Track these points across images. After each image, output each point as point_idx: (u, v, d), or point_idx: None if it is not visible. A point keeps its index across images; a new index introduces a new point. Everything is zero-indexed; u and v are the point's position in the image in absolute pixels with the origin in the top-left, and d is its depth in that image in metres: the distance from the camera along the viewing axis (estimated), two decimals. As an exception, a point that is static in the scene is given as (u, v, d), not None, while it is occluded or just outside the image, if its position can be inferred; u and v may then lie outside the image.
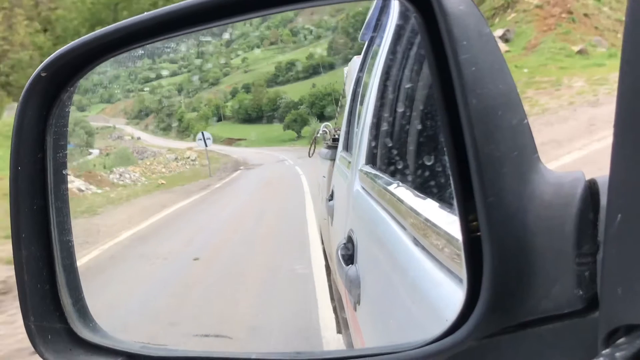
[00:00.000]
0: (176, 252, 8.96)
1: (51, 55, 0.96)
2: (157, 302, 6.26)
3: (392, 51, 1.65)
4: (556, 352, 0.71)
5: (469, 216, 0.70)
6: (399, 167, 1.38)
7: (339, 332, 3.38)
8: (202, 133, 26.75)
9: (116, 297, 6.31)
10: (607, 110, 13.18)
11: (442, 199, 0.98)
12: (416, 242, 1.06)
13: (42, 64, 0.96)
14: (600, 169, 0.67)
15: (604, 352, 0.50)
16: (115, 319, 4.72)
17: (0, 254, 7.57)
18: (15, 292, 0.96)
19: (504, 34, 24.74)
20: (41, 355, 0.94)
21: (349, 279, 1.51)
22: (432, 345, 0.72)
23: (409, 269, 1.09)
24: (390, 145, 1.52)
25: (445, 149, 0.72)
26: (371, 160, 1.76)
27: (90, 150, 31.68)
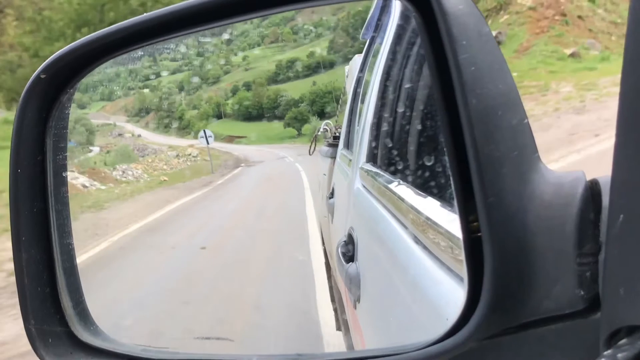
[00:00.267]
0: (184, 243, 9.41)
1: (51, 57, 0.96)
2: (170, 284, 6.78)
3: (393, 51, 1.65)
4: (557, 353, 0.71)
5: (469, 216, 0.69)
6: (400, 167, 1.38)
7: (338, 329, 3.39)
8: (204, 131, 27.06)
9: (132, 282, 7.00)
10: (592, 117, 13.09)
11: (443, 198, 0.98)
12: (416, 240, 1.06)
13: (42, 65, 0.95)
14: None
15: (605, 353, 0.50)
16: (133, 300, 5.96)
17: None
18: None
19: (495, 37, 24.45)
20: (42, 359, 0.94)
21: (349, 276, 1.52)
22: (434, 347, 0.72)
23: (409, 267, 1.09)
24: (390, 145, 1.52)
25: (445, 149, 0.72)
26: (372, 158, 1.76)
27: (91, 148, 31.73)
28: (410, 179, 1.26)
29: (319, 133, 4.50)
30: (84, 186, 18.08)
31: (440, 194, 1.00)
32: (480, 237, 0.67)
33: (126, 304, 5.80)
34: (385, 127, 1.64)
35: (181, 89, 46.96)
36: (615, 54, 22.73)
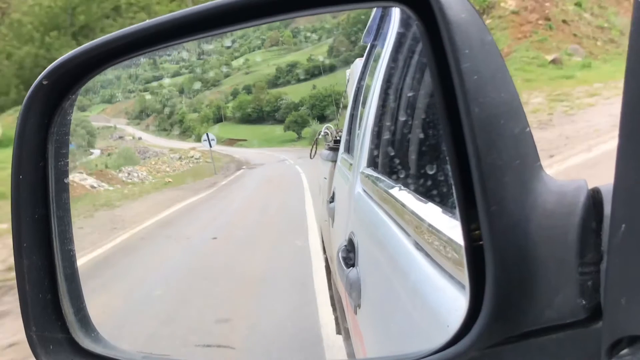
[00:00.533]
0: (197, 234, 10.73)
1: (53, 63, 0.96)
2: (189, 265, 8.05)
3: (394, 58, 1.65)
4: None
5: (471, 225, 0.69)
6: (401, 175, 1.37)
7: (338, 333, 3.39)
8: (207, 134, 27.64)
9: (156, 263, 8.34)
10: (554, 134, 12.68)
11: (445, 205, 0.98)
12: (418, 246, 1.05)
13: (44, 71, 0.95)
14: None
15: None
16: (159, 277, 7.28)
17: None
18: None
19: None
20: None
21: (349, 281, 1.51)
22: (435, 356, 0.72)
23: (410, 273, 1.08)
24: (392, 154, 1.52)
25: (447, 157, 0.72)
26: (373, 163, 1.76)
27: (92, 151, 31.74)
28: (411, 186, 1.26)
29: (320, 136, 4.49)
30: (92, 187, 19.03)
31: (442, 201, 1.00)
32: (482, 245, 0.67)
33: (153, 280, 7.16)
34: (386, 134, 1.63)
35: (181, 92, 46.96)
36: (599, 60, 22.10)
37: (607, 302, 0.61)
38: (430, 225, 1.00)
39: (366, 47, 2.97)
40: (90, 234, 10.20)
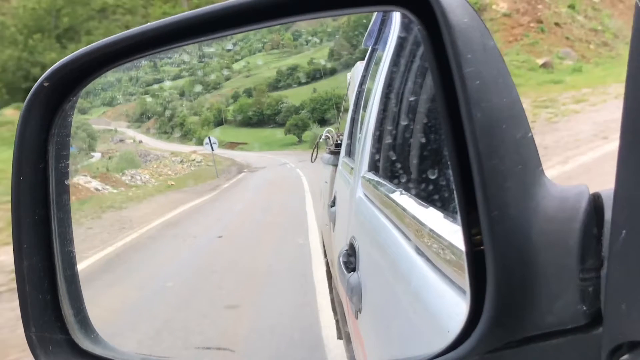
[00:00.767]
0: (203, 233, 11.14)
1: (54, 65, 0.96)
2: (197, 261, 8.54)
3: (395, 62, 1.65)
4: None
5: (472, 229, 0.69)
6: (403, 180, 1.37)
7: (339, 338, 3.38)
8: (209, 138, 27.90)
9: (166, 260, 8.80)
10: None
11: (446, 210, 0.98)
12: (418, 251, 1.05)
13: (45, 73, 0.95)
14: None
15: None
16: (170, 271, 7.66)
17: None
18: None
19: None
20: None
21: (350, 286, 1.51)
22: None
23: (411, 278, 1.08)
24: (394, 158, 1.52)
25: (449, 161, 0.72)
26: (374, 167, 1.75)
27: (92, 154, 31.69)
28: (413, 190, 1.26)
29: (321, 140, 4.49)
30: (97, 189, 19.21)
31: (443, 206, 1.00)
32: (483, 250, 0.67)
33: (164, 273, 7.55)
34: (388, 138, 1.63)
35: (182, 94, 46.90)
36: (591, 63, 21.74)
37: (607, 308, 0.60)
38: (431, 229, 1.00)
39: (367, 50, 2.97)
40: (100, 234, 10.56)
